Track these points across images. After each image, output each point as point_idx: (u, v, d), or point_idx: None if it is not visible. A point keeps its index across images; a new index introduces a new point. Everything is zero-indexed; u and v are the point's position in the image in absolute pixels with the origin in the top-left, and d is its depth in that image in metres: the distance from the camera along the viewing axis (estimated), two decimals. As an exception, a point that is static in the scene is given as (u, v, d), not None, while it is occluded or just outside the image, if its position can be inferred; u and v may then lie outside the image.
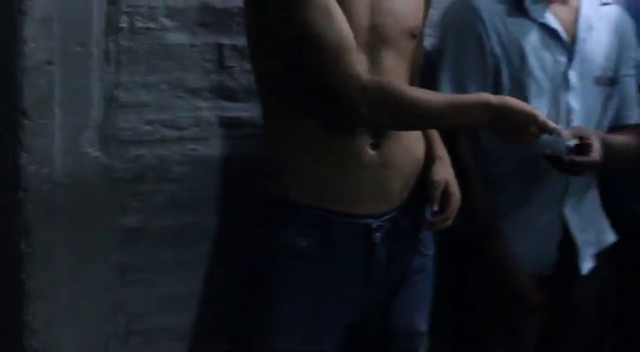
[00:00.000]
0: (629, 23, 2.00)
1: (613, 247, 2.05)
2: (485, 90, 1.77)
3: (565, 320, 1.96)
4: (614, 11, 1.98)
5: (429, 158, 1.67)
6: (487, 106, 1.48)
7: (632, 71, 2.00)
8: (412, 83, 1.69)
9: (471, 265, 1.90)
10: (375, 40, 1.52)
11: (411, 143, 1.60)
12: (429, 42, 1.89)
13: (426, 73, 1.82)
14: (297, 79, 1.49)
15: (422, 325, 1.71)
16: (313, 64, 1.45)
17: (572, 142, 1.65)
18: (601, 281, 2.02)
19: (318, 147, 1.51)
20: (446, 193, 1.62)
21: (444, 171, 1.65)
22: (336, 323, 1.58)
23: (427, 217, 1.63)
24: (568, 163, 1.68)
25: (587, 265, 1.92)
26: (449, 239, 1.90)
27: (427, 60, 1.83)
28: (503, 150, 1.81)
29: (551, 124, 1.52)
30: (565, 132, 1.62)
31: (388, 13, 1.53)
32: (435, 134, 1.71)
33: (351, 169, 1.52)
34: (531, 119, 1.49)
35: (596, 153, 1.69)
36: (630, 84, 1.99)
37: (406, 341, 1.68)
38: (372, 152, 1.52)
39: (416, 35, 1.60)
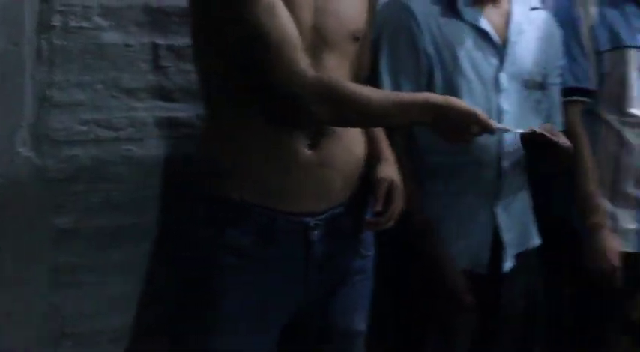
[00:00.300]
0: (557, 31, 2.04)
1: (543, 249, 2.10)
2: (419, 89, 1.80)
3: (495, 319, 1.99)
4: (543, 17, 2.02)
5: (374, 158, 1.68)
6: (429, 105, 1.50)
7: (559, 80, 2.04)
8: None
9: (411, 264, 1.91)
10: (318, 41, 1.52)
11: (351, 143, 1.61)
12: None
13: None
14: (243, 78, 1.48)
15: (361, 325, 1.72)
16: (259, 62, 1.44)
17: (524, 131, 1.69)
18: (530, 282, 2.05)
19: (259, 146, 1.51)
20: (390, 193, 1.63)
21: (390, 171, 1.66)
22: (277, 323, 1.58)
23: (370, 217, 1.64)
24: (554, 142, 1.70)
25: (508, 264, 1.94)
26: (391, 237, 1.94)
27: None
28: (437, 149, 1.85)
29: (493, 123, 1.55)
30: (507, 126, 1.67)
31: (331, 15, 1.54)
32: (381, 135, 1.73)
33: (290, 168, 1.52)
34: (472, 118, 1.52)
35: (564, 138, 1.73)
36: (556, 92, 2.04)
37: (345, 341, 1.69)
38: (309, 151, 1.53)
39: (359, 38, 1.61)
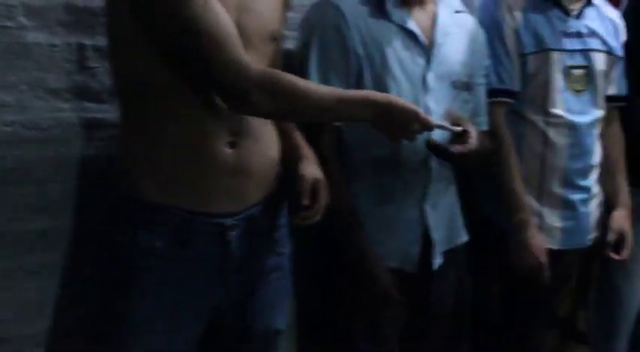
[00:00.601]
0: (481, 34, 2.08)
1: (471, 247, 2.14)
2: (348, 88, 1.79)
3: (424, 316, 2.02)
4: (469, 20, 2.05)
5: (293, 157, 1.69)
6: (369, 102, 1.52)
7: (484, 80, 2.08)
8: None
9: (337, 260, 1.93)
10: (241, 40, 1.50)
11: (268, 144, 1.62)
12: (291, 45, 1.92)
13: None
14: (170, 73, 1.47)
15: (280, 323, 1.73)
16: (200, 56, 1.43)
17: (459, 129, 1.72)
18: (458, 279, 2.08)
19: (175, 146, 1.50)
20: (315, 188, 1.65)
21: (312, 169, 1.67)
22: (194, 323, 1.58)
23: (299, 213, 1.65)
24: (451, 152, 1.72)
25: (438, 262, 1.97)
26: (318, 233, 1.95)
27: (288, 63, 1.84)
28: (365, 147, 1.87)
29: (433, 121, 1.58)
30: (446, 123, 1.70)
31: (253, 15, 1.54)
32: (296, 134, 1.74)
33: (208, 168, 1.51)
34: (412, 116, 1.54)
35: (473, 139, 1.74)
36: (482, 93, 2.07)
37: (265, 340, 1.70)
38: (228, 151, 1.52)
39: (277, 38, 1.62)
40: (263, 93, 1.44)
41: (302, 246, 1.96)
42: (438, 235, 1.96)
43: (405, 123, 1.55)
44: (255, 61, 1.52)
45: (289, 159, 1.69)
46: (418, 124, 1.55)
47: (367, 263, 1.86)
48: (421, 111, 1.56)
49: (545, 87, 2.15)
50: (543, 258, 2.13)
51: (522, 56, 2.15)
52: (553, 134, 2.17)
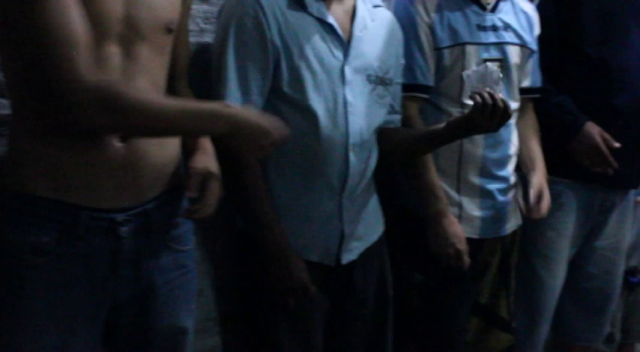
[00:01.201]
0: (398, 29, 2.10)
1: (391, 238, 2.17)
2: (266, 79, 1.83)
3: (348, 306, 2.03)
4: (387, 15, 2.08)
5: (190, 150, 1.65)
6: (218, 117, 1.47)
7: (400, 78, 2.11)
8: (177, 80, 1.69)
9: (253, 255, 1.93)
10: (129, 32, 1.46)
11: (165, 138, 1.57)
12: (209, 38, 1.92)
13: (206, 67, 1.85)
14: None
15: (185, 321, 1.69)
16: (36, 63, 1.36)
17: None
18: (380, 270, 2.11)
19: (62, 140, 1.44)
20: (206, 182, 1.60)
21: (204, 160, 1.63)
22: (90, 323, 1.52)
23: (187, 207, 1.62)
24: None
25: (348, 256, 1.99)
26: (239, 229, 1.95)
27: (207, 56, 1.84)
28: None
29: (280, 138, 1.56)
30: None
31: (143, 6, 1.48)
32: None
33: (97, 162, 1.46)
34: (262, 132, 1.52)
35: None
36: (398, 89, 2.10)
37: (171, 338, 1.66)
38: (119, 145, 1.47)
39: (172, 29, 1.57)
40: (97, 107, 1.36)
41: (225, 241, 1.97)
42: (353, 229, 1.98)
43: (256, 138, 1.52)
44: (146, 53, 1.48)
45: (187, 151, 1.65)
46: (269, 140, 1.53)
47: (284, 258, 1.86)
48: (275, 127, 1.54)
49: (461, 79, 2.17)
50: (462, 246, 2.17)
51: (438, 50, 2.18)
52: None
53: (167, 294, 1.62)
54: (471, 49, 2.19)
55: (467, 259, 2.18)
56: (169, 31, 1.56)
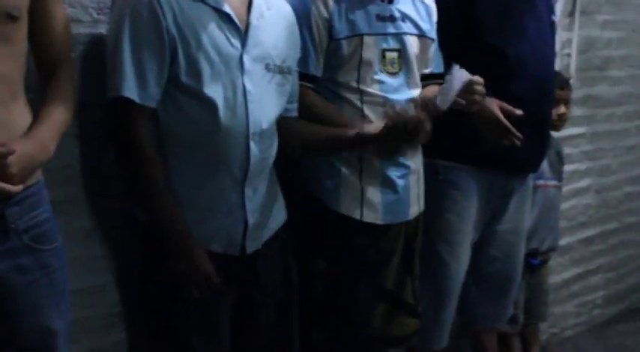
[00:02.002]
0: (294, 18, 2.11)
1: (296, 225, 2.18)
2: (163, 68, 1.81)
3: (254, 295, 2.04)
4: (283, 4, 2.08)
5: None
6: None
7: (296, 67, 2.11)
8: (58, 69, 1.66)
9: (155, 248, 1.92)
10: None
11: (15, 136, 1.53)
12: (103, 29, 1.89)
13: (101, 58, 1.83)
14: None
15: (54, 322, 1.66)
16: None
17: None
18: (283, 258, 2.12)
19: None
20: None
21: (21, 144, 1.52)
22: None
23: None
24: None
25: (253, 245, 2.00)
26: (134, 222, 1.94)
27: (101, 48, 1.82)
28: (184, 130, 1.86)
29: None
30: None
31: None
32: (46, 116, 1.62)
33: None
34: None
35: None
36: (295, 78, 2.11)
37: (37, 341, 1.63)
38: None
39: (15, 16, 1.51)
40: None
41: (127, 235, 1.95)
42: (256, 219, 1.98)
43: None
44: None
45: None
46: None
47: (187, 249, 1.86)
48: None
49: (360, 69, 2.21)
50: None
51: (336, 41, 2.19)
52: (369, 112, 2.23)
53: (30, 295, 1.59)
54: (369, 40, 2.21)
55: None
56: (12, 17, 1.50)
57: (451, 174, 2.58)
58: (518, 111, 2.41)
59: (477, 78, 2.22)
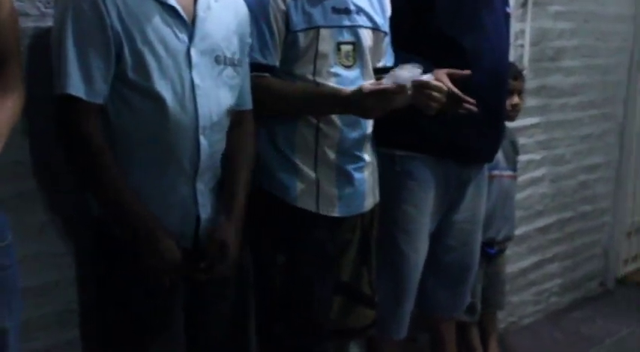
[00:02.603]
0: (244, 9, 2.10)
1: (253, 217, 2.16)
2: (109, 64, 1.79)
3: (209, 290, 2.03)
4: None
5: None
6: None
7: (248, 58, 2.11)
8: (5, 64, 1.64)
9: (110, 244, 1.91)
10: None
11: None
12: (51, 22, 1.87)
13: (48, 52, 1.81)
14: None
15: (4, 321, 1.65)
16: None
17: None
18: (239, 247, 2.08)
19: None
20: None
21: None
22: None
23: None
24: None
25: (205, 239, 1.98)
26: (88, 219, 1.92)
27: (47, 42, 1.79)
28: (135, 126, 1.85)
29: None
30: None
31: None
32: None
33: None
34: None
35: None
36: (246, 70, 2.10)
37: None
38: None
39: None
40: None
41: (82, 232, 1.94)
42: (208, 213, 1.98)
43: None
44: None
45: None
46: None
47: (154, 239, 1.85)
48: None
49: (316, 62, 2.21)
50: None
51: (293, 33, 2.19)
52: None
53: None
54: (325, 33, 2.21)
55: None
56: None
57: (408, 164, 2.59)
58: (466, 72, 2.35)
59: (437, 84, 2.18)
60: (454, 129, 2.59)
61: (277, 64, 2.20)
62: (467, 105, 2.36)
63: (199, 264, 1.92)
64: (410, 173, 2.59)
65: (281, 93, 2.20)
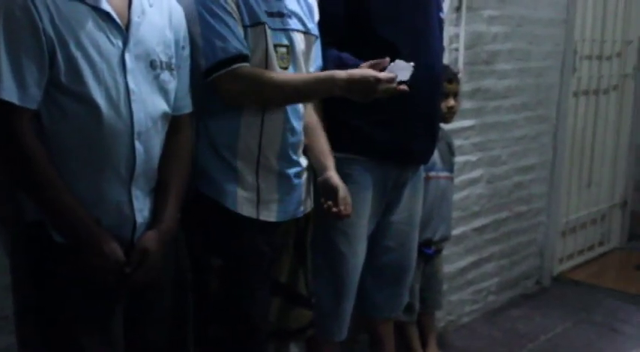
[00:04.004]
0: (182, 13, 2.10)
1: (188, 221, 2.18)
2: (43, 70, 1.77)
3: (146, 294, 2.02)
4: (165, 0, 2.05)
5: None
6: None
7: (186, 62, 2.10)
8: None
9: (46, 248, 1.89)
10: None
11: None
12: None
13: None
14: None
15: None
16: None
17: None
18: (175, 254, 2.13)
19: None
20: None
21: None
22: None
23: None
24: None
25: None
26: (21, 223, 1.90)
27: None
28: (67, 130, 1.83)
29: None
30: None
31: None
32: None
33: None
34: None
35: None
36: (185, 74, 2.10)
37: None
38: None
39: None
40: None
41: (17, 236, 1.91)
42: (144, 217, 1.98)
43: None
44: None
45: None
46: None
47: (96, 241, 1.85)
48: None
49: (263, 59, 2.22)
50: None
51: (244, 28, 2.19)
52: (269, 110, 2.25)
53: None
54: (268, 31, 2.22)
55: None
56: None
57: (347, 167, 2.61)
58: (386, 59, 2.31)
59: (391, 76, 2.23)
60: (393, 132, 2.65)
61: (247, 50, 2.18)
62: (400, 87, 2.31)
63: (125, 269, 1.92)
64: (349, 176, 2.61)
65: (275, 82, 2.19)
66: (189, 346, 2.18)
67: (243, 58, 2.17)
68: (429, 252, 3.34)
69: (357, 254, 2.73)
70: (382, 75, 2.20)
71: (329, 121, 2.56)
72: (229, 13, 2.16)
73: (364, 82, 2.19)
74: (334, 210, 2.37)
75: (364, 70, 2.22)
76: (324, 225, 2.59)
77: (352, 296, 2.77)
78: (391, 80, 2.21)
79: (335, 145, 2.56)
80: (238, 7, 2.18)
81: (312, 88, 2.26)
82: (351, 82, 2.19)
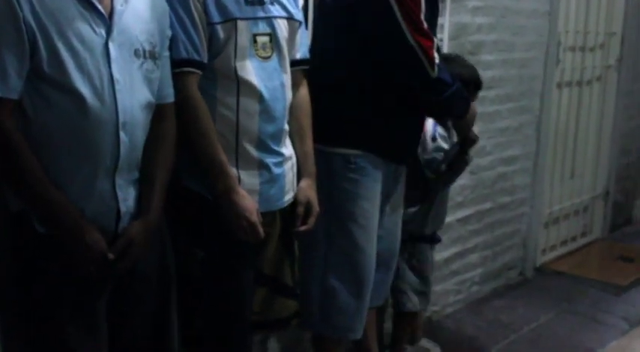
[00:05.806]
0: (164, 2, 2.09)
1: (172, 213, 2.17)
2: (24, 60, 1.76)
3: (131, 286, 2.03)
4: None
5: None
6: None
7: (168, 52, 2.09)
8: None
9: (27, 243, 1.89)
10: None
11: None
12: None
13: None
14: None
15: None
16: None
17: None
18: (161, 246, 2.12)
19: None
20: None
21: None
22: None
23: None
24: None
25: None
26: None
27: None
28: (51, 120, 1.82)
29: None
30: None
31: None
32: None
33: None
34: None
35: None
36: (167, 63, 2.09)
37: None
38: None
39: None
40: None
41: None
42: (129, 207, 1.97)
43: None
44: None
45: None
46: None
47: (79, 231, 1.84)
48: None
49: (234, 55, 2.21)
50: (254, 218, 2.22)
51: (211, 26, 2.18)
52: (244, 99, 2.24)
53: None
54: (241, 25, 2.21)
55: (261, 231, 2.23)
56: None
57: (362, 162, 2.63)
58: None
59: None
60: (406, 134, 2.75)
61: (205, 59, 2.18)
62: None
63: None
64: (363, 169, 2.64)
65: (200, 127, 2.18)
66: (174, 336, 2.17)
67: (191, 63, 2.16)
68: (440, 239, 3.41)
69: (374, 245, 2.74)
70: (253, 220, 2.21)
71: (346, 118, 2.57)
72: (191, 15, 2.15)
73: (238, 214, 2.20)
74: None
75: (247, 210, 2.21)
76: (341, 219, 2.60)
77: (371, 287, 2.76)
78: (256, 232, 2.23)
79: (352, 143, 2.60)
80: (205, 6, 2.17)
81: (208, 161, 2.21)
82: (233, 203, 2.20)
